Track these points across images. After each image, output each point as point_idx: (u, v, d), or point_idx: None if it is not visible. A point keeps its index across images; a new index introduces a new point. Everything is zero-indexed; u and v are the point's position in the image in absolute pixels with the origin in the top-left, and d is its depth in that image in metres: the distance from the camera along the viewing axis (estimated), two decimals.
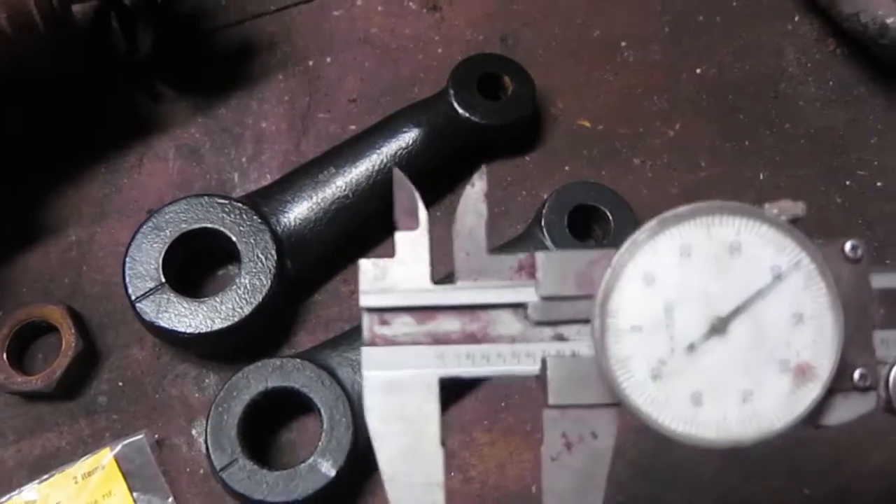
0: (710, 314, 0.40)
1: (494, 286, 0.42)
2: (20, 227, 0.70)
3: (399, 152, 0.69)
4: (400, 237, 0.42)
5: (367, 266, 0.43)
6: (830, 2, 0.72)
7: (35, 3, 0.61)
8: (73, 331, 0.66)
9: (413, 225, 0.42)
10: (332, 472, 0.60)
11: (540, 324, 0.42)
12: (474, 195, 0.42)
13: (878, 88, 0.75)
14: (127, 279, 0.64)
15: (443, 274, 0.43)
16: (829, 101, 0.76)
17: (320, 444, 0.61)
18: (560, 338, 0.42)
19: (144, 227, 0.65)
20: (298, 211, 0.68)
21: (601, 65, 0.76)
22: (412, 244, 0.42)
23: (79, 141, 0.73)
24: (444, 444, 0.41)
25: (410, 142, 0.69)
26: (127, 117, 0.74)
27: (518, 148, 0.73)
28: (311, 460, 0.61)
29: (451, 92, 0.70)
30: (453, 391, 0.66)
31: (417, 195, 0.42)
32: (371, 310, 0.42)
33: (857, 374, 0.41)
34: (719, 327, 0.40)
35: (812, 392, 0.40)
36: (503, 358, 0.42)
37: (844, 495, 0.64)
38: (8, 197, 0.70)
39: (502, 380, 0.43)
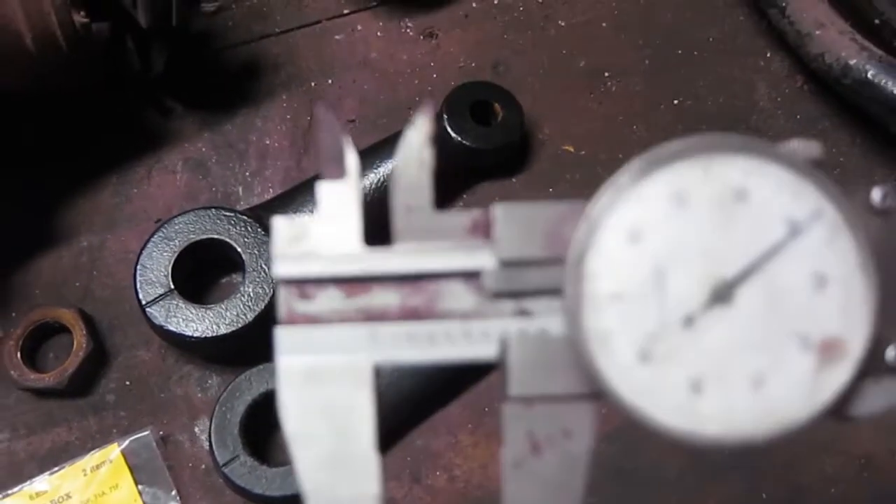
0: (712, 277, 0.33)
1: (442, 249, 0.34)
2: (35, 234, 0.72)
3: None
4: (324, 189, 0.35)
5: (281, 225, 0.35)
6: (799, 42, 0.77)
7: (59, 25, 0.65)
8: (83, 332, 0.68)
9: (339, 173, 0.35)
10: None
11: (499, 295, 0.35)
12: (417, 139, 0.35)
13: (842, 123, 0.80)
14: (138, 285, 0.67)
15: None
16: (795, 133, 0.80)
17: None
18: (524, 313, 0.35)
19: (155, 236, 0.69)
20: None
21: (585, 93, 0.81)
22: (339, 197, 0.35)
23: (91, 153, 0.75)
24: (380, 449, 0.34)
25: None
26: (137, 131, 0.77)
27: (506, 170, 0.78)
28: None
29: (445, 117, 0.74)
30: (440, 400, 0.71)
31: (345, 136, 0.35)
32: (288, 281, 0.35)
33: (891, 353, 0.34)
34: (723, 294, 0.33)
35: (840, 374, 0.32)
36: (452, 339, 0.34)
37: (799, 500, 0.69)
38: (24, 205, 0.73)
39: (454, 366, 0.35)
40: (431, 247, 0.35)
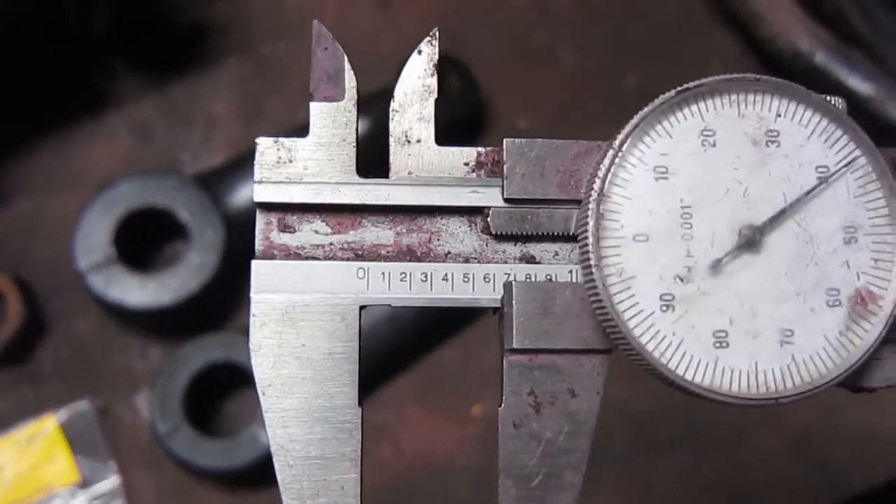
0: (741, 222, 0.30)
1: (444, 184, 0.32)
2: None
3: None
4: (317, 110, 0.31)
5: (266, 145, 0.31)
6: (748, 22, 0.76)
7: None
8: (18, 299, 0.64)
9: (335, 93, 0.32)
10: None
11: (504, 238, 0.32)
12: (421, 64, 0.33)
13: None
14: (77, 251, 0.63)
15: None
16: None
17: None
18: (530, 259, 0.32)
19: (96, 201, 0.64)
20: (247, 193, 0.69)
21: (542, 67, 0.79)
22: (334, 120, 0.31)
23: (31, 111, 0.71)
24: (361, 403, 0.31)
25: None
26: (80, 91, 0.72)
27: (458, 144, 0.76)
28: (252, 430, 0.63)
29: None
30: (388, 370, 0.69)
31: (343, 54, 0.32)
32: (268, 207, 0.31)
33: None
34: (752, 240, 0.30)
35: (870, 332, 0.30)
36: (451, 281, 0.31)
37: (741, 474, 0.69)
38: None
39: (450, 311, 0.32)
40: (432, 180, 0.32)
